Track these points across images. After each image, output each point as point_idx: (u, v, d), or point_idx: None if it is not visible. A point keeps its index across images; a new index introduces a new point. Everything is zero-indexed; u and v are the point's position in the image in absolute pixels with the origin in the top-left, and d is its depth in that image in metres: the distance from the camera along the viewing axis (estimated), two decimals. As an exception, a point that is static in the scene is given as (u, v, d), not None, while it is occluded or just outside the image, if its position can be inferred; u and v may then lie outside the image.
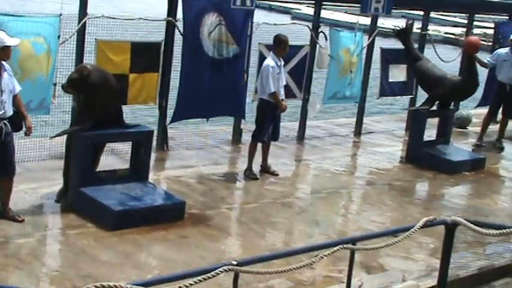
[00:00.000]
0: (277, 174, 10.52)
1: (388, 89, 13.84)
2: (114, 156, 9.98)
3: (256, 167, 10.43)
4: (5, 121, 7.60)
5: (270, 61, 10.17)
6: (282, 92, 10.30)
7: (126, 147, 9.70)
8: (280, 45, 10.25)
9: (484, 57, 13.75)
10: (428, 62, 12.28)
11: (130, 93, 10.31)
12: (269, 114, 10.20)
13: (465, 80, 11.93)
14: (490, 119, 13.71)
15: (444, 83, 11.90)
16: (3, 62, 7.60)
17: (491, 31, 16.25)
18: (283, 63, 10.39)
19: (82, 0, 9.72)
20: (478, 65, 12.21)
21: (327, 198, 10.00)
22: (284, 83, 10.43)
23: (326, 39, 12.45)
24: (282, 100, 10.21)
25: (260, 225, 8.68)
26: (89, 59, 9.90)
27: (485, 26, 30.29)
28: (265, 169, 10.55)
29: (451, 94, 12.06)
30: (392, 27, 12.39)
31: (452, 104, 12.85)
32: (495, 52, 13.64)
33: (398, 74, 13.83)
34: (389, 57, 13.64)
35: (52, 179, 9.13)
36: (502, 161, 13.08)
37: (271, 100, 10.13)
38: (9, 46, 7.57)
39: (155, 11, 12.90)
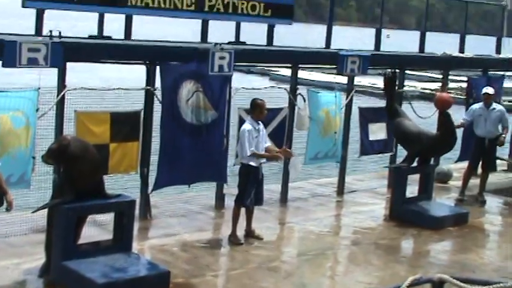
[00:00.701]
0: (261, 239, 10.47)
1: (368, 147, 13.93)
2: (97, 227, 9.90)
3: (240, 232, 10.39)
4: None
5: (246, 125, 10.25)
6: None
7: (108, 217, 9.63)
8: (256, 109, 10.34)
9: (460, 110, 13.92)
10: (406, 119, 12.40)
11: (111, 162, 10.30)
12: (250, 178, 10.22)
13: (442, 135, 12.04)
14: (470, 173, 13.79)
15: (422, 139, 12.01)
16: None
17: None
18: (262, 126, 10.44)
19: (60, 72, 9.78)
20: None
21: (313, 260, 9.95)
22: (266, 145, 10.44)
23: (304, 101, 12.56)
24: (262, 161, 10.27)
25: (247, 291, 8.61)
26: (69, 130, 9.90)
27: (461, 79, 30.80)
28: (250, 233, 10.51)
29: (429, 150, 12.17)
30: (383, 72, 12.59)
31: (432, 159, 12.93)
32: (470, 108, 13.82)
33: (378, 131, 13.93)
34: (367, 116, 13.75)
35: (35, 254, 9.02)
36: (485, 214, 13.11)
37: (252, 164, 10.16)
38: None
39: (135, 78, 12.94)
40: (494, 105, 13.52)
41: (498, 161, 15.21)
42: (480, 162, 13.75)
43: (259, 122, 10.37)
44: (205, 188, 12.85)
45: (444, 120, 12.09)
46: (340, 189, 13.65)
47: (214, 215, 11.66)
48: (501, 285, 6.43)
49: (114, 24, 11.32)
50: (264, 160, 10.37)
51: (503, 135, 13.42)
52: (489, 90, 13.54)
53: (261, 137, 10.31)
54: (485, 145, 13.47)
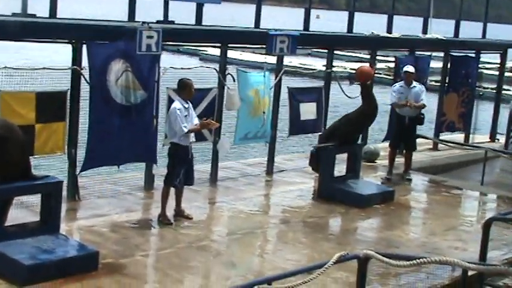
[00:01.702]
0: (191, 218, 10.49)
1: (298, 127, 14.05)
2: (24, 209, 9.74)
3: (170, 212, 10.39)
4: None
5: (176, 104, 10.26)
6: (192, 134, 10.36)
7: (35, 199, 9.50)
8: (185, 89, 10.33)
9: (387, 91, 14.16)
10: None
11: (37, 143, 10.15)
12: (180, 158, 10.22)
13: (367, 105, 12.34)
14: (393, 152, 14.07)
15: (350, 120, 12.33)
16: None
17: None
18: (191, 105, 10.44)
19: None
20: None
21: (243, 239, 10.02)
22: (195, 123, 10.44)
23: (234, 81, 12.57)
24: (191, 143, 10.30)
25: (177, 270, 8.62)
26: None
27: (388, 60, 31.30)
28: (179, 213, 10.52)
29: (358, 124, 12.41)
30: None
31: (359, 138, 13.16)
32: (392, 89, 14.06)
33: (308, 111, 14.05)
34: (297, 96, 13.87)
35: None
36: (411, 192, 13.41)
37: (181, 143, 10.15)
38: None
39: (60, 58, 12.75)
40: (415, 83, 13.82)
41: (424, 140, 15.61)
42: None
43: (188, 102, 10.36)
44: (134, 168, 12.78)
45: (366, 91, 12.45)
46: (270, 169, 13.76)
47: (143, 196, 11.61)
48: (423, 260, 6.63)
49: (39, 3, 11.10)
50: (193, 139, 10.37)
51: (422, 115, 13.72)
52: (409, 68, 13.89)
53: (190, 116, 10.30)
54: (405, 123, 13.77)
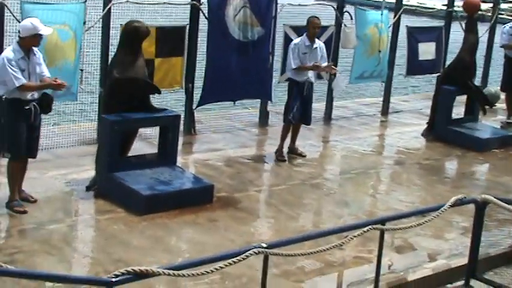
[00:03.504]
0: (304, 156, 10.50)
1: (416, 68, 13.75)
2: (142, 141, 10.02)
3: (284, 149, 10.42)
4: (34, 103, 7.68)
5: (296, 39, 10.21)
6: (312, 73, 10.26)
7: (154, 132, 9.74)
8: (307, 26, 10.19)
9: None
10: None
11: (156, 77, 10.33)
12: (294, 93, 10.16)
13: (469, 39, 11.96)
14: (509, 95, 13.57)
15: (462, 59, 12.00)
16: (32, 47, 7.68)
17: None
18: (319, 45, 10.27)
19: (106, -14, 9.75)
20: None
21: (356, 178, 9.97)
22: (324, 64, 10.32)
23: (351, 19, 12.38)
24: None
25: (289, 207, 8.69)
26: (115, 44, 9.93)
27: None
28: (293, 151, 10.53)
29: (468, 64, 12.04)
30: None
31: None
32: (502, 31, 13.48)
33: (427, 51, 13.72)
34: (416, 35, 13.54)
35: (81, 165, 9.21)
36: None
37: (294, 78, 10.10)
38: (41, 35, 7.65)
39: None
40: None
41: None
42: None
43: (315, 40, 10.22)
44: (250, 105, 12.87)
45: (471, 25, 12.07)
46: (385, 109, 13.57)
47: (257, 132, 11.71)
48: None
49: None
50: (311, 78, 10.26)
51: None
52: None
53: (313, 55, 10.14)
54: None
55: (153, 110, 8.71)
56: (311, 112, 10.49)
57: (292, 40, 10.77)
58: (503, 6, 27.80)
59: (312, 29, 10.17)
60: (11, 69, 7.44)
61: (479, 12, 13.16)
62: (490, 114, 13.91)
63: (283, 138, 10.36)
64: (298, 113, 10.20)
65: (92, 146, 9.61)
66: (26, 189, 8.02)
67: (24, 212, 7.72)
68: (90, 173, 8.68)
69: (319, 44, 10.26)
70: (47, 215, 7.77)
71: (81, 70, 9.70)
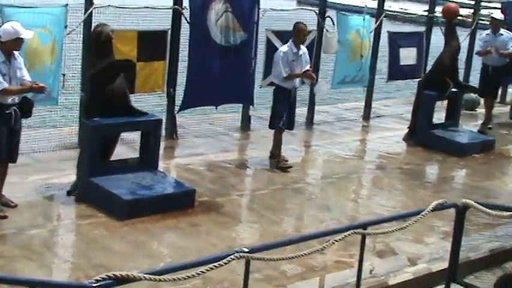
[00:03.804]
0: (286, 161, 10.48)
1: (397, 72, 13.81)
2: (124, 146, 9.99)
3: (265, 154, 10.40)
4: (14, 107, 7.65)
5: (283, 47, 10.11)
6: (298, 79, 10.23)
7: (135, 136, 9.71)
8: (295, 34, 10.08)
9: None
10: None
11: (138, 81, 10.31)
12: (282, 99, 10.13)
13: (449, 46, 12.02)
14: (486, 101, 13.62)
15: (441, 64, 12.03)
16: (13, 52, 7.64)
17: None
18: (303, 51, 10.19)
19: (88, -11, 9.71)
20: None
21: (337, 183, 10.00)
22: (306, 68, 10.28)
23: (333, 24, 12.41)
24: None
25: (271, 211, 8.69)
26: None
27: (492, 6, 30.23)
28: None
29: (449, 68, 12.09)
30: None
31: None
32: (478, 38, 13.59)
33: (408, 57, 13.79)
34: (397, 40, 13.61)
35: (62, 170, 9.17)
36: (512, 142, 13.06)
37: (283, 86, 10.08)
38: (23, 38, 7.62)
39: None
40: (503, 31, 13.18)
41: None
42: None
43: (300, 47, 10.20)
44: (231, 110, 12.87)
45: (450, 31, 12.11)
46: (367, 114, 13.61)
47: (239, 137, 11.71)
48: (525, 211, 6.45)
49: None
50: (297, 84, 10.24)
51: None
52: (496, 15, 13.43)
53: (299, 61, 10.12)
54: (488, 73, 13.26)
55: (135, 112, 8.66)
56: (295, 117, 10.50)
57: (274, 45, 10.81)
58: (483, 12, 28.05)
59: (301, 36, 10.15)
60: None
61: (460, 18, 13.25)
62: (470, 119, 14.03)
63: (278, 145, 10.27)
64: (287, 120, 10.20)
65: (73, 151, 9.59)
66: (6, 193, 7.97)
67: (5, 217, 7.66)
68: (71, 177, 8.64)
69: (303, 49, 10.26)
70: (27, 220, 7.72)
71: (63, 75, 9.64)
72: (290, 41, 10.16)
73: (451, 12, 12.24)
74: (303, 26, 10.19)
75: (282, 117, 10.13)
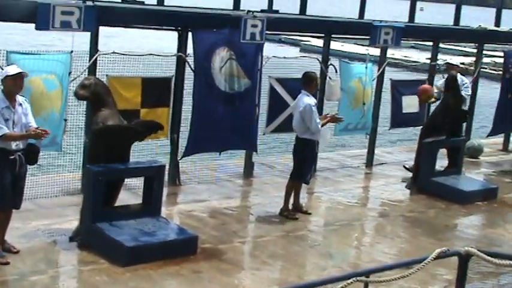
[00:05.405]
0: (310, 213, 10.37)
1: (400, 120, 13.87)
2: (127, 192, 9.98)
3: (268, 200, 10.40)
4: (19, 153, 7.66)
5: (309, 100, 9.95)
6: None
7: (138, 182, 9.72)
8: (312, 82, 10.11)
9: (493, 85, 13.77)
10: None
11: (142, 128, 10.34)
12: (308, 152, 10.13)
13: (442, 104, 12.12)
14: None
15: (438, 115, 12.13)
16: (18, 96, 7.69)
17: (501, 60, 16.30)
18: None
19: (93, 36, 9.82)
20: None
21: (340, 230, 9.97)
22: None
23: (336, 72, 12.51)
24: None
25: (274, 258, 8.66)
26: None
27: (495, 55, 30.47)
28: (298, 208, 10.38)
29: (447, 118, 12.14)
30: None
31: (463, 133, 12.86)
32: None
33: (410, 105, 13.85)
34: (400, 88, 13.69)
35: (64, 215, 9.17)
36: (515, 190, 13.03)
37: (311, 138, 10.01)
38: (13, 76, 7.61)
39: (165, 46, 13.01)
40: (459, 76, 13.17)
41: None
42: None
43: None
44: (233, 155, 12.89)
45: (446, 87, 12.19)
46: (369, 161, 13.63)
47: (242, 183, 11.71)
48: (528, 260, 6.41)
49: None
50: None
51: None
52: (452, 61, 13.46)
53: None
54: None
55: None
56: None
57: (278, 92, 10.85)
58: (485, 60, 28.26)
59: (317, 85, 10.30)
60: None
61: (462, 66, 13.31)
62: (473, 167, 14.03)
63: (289, 196, 10.21)
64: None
65: (76, 196, 9.59)
66: (8, 239, 7.96)
67: (7, 263, 7.65)
68: (74, 223, 8.64)
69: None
70: (29, 266, 7.70)
71: (65, 120, 9.70)
72: (303, 91, 10.06)
73: (422, 91, 12.47)
74: (316, 75, 10.31)
75: (310, 171, 10.21)
